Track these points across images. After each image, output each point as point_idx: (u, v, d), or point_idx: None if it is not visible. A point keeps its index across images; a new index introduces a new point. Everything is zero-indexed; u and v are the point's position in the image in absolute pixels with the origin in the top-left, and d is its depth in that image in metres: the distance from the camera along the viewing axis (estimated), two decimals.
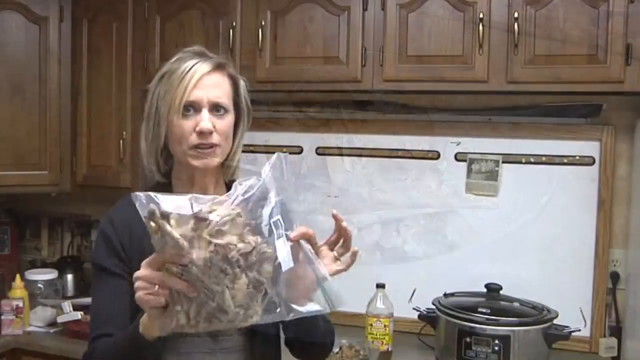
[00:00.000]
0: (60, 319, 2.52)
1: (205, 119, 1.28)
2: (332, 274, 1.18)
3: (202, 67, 1.30)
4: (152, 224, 1.02)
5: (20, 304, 2.53)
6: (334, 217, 1.23)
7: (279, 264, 1.08)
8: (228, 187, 1.43)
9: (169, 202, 1.03)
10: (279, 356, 1.43)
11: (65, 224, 3.22)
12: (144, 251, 1.24)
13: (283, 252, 1.09)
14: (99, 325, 1.31)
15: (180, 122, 1.29)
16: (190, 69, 1.29)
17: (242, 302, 1.04)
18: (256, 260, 1.04)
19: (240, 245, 1.02)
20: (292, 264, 1.10)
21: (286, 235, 1.10)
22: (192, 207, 1.03)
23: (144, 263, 1.08)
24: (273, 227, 1.08)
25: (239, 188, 1.07)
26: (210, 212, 1.02)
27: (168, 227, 1.01)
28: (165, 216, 1.01)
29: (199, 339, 1.30)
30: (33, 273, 2.82)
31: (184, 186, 1.37)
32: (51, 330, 2.56)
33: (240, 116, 1.39)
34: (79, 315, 2.46)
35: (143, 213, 1.03)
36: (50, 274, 2.82)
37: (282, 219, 1.10)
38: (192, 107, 1.29)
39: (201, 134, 1.28)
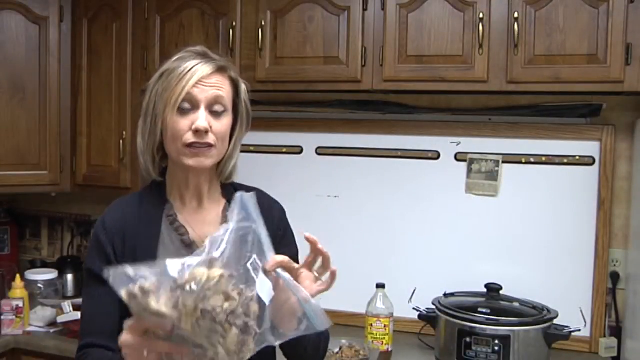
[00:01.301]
0: (60, 319, 2.52)
1: (201, 118, 1.27)
2: (314, 295, 1.15)
3: (203, 68, 1.29)
4: (133, 304, 0.98)
5: (20, 304, 2.53)
6: (307, 239, 1.17)
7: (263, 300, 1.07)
8: (223, 188, 1.43)
9: (145, 272, 0.99)
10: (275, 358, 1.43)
11: (65, 224, 3.22)
12: (137, 256, 1.24)
13: (264, 289, 1.08)
14: (86, 333, 1.32)
15: (176, 119, 1.27)
16: (191, 69, 1.28)
17: (235, 349, 1.03)
18: (243, 310, 1.03)
19: (226, 305, 1.00)
20: (272, 294, 1.09)
21: (263, 270, 1.09)
22: (169, 272, 0.98)
23: (126, 328, 1.05)
24: (251, 270, 1.07)
25: (208, 244, 1.04)
26: (192, 279, 0.98)
27: (153, 305, 0.97)
28: (146, 292, 0.97)
29: None
30: (33, 273, 2.81)
31: (178, 186, 1.37)
32: (51, 330, 2.56)
33: (238, 119, 1.37)
34: (79, 315, 2.45)
35: (119, 292, 0.99)
36: (50, 274, 2.82)
37: (257, 255, 1.09)
38: (189, 105, 1.28)
39: (197, 132, 1.27)
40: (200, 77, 1.28)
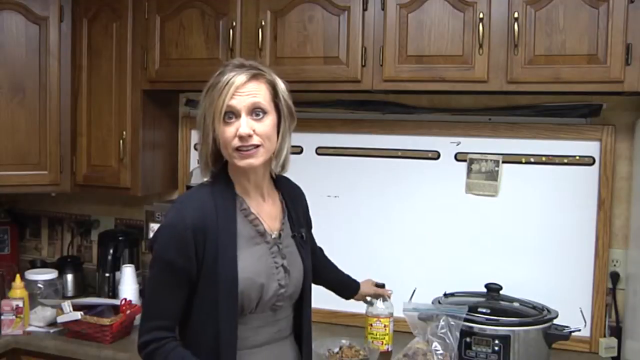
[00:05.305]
0: (60, 319, 2.51)
1: (243, 125, 1.44)
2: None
3: (237, 79, 1.45)
4: None
5: (20, 304, 2.52)
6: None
7: None
8: (274, 180, 1.64)
9: None
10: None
11: (65, 224, 3.22)
12: (218, 250, 1.45)
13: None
14: (153, 316, 1.47)
15: (224, 129, 1.46)
16: (228, 82, 1.45)
17: None
18: None
19: None
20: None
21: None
22: None
23: None
24: None
25: None
26: None
27: None
28: None
29: (263, 313, 1.53)
30: (33, 273, 2.81)
31: (240, 182, 1.54)
32: (51, 330, 2.56)
33: (281, 116, 1.53)
34: (79, 315, 2.46)
35: None
36: (50, 274, 2.82)
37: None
38: (232, 115, 1.45)
39: (241, 138, 1.44)
40: (236, 88, 1.45)
